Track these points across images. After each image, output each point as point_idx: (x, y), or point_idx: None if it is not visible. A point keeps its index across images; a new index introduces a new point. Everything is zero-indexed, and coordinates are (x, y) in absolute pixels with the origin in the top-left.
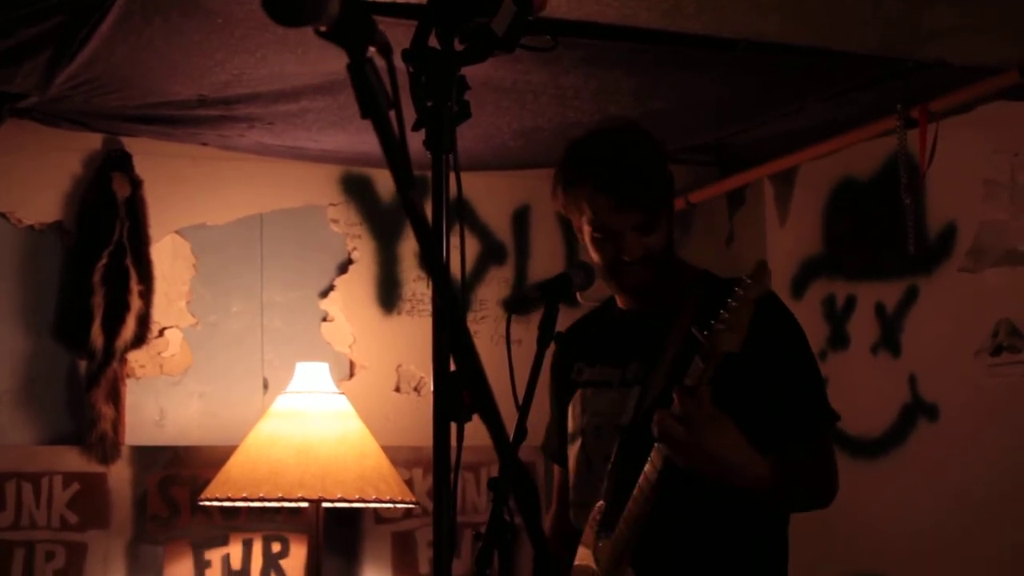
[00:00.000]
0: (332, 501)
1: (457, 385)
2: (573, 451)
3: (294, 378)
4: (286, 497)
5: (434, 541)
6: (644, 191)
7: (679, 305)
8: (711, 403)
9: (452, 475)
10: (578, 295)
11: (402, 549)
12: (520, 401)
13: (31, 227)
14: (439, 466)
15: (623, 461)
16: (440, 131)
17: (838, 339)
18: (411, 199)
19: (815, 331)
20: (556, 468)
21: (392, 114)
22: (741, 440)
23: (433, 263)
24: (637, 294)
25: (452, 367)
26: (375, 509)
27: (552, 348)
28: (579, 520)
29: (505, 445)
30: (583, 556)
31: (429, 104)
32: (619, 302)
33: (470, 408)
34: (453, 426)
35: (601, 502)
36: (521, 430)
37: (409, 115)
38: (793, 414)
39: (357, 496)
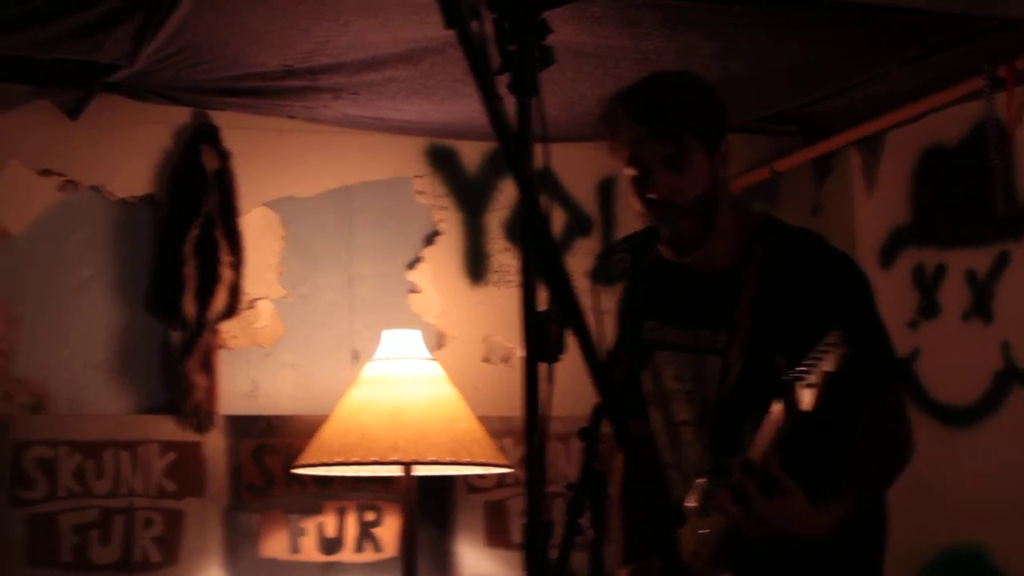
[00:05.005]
0: (425, 464)
1: (545, 323)
2: (656, 411)
3: (382, 345)
4: (379, 461)
5: (526, 481)
6: (673, 120)
7: (741, 263)
8: (779, 472)
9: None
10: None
11: (495, 518)
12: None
13: (123, 200)
14: (530, 403)
15: (719, 441)
16: (524, 75)
17: (929, 308)
18: (496, 109)
19: (905, 300)
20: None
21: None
22: (804, 508)
23: (519, 172)
24: (677, 246)
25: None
26: (467, 478)
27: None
28: (675, 482)
29: (592, 353)
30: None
31: (512, 49)
32: (664, 252)
33: (558, 347)
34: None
35: (703, 480)
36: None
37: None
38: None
39: (450, 459)
